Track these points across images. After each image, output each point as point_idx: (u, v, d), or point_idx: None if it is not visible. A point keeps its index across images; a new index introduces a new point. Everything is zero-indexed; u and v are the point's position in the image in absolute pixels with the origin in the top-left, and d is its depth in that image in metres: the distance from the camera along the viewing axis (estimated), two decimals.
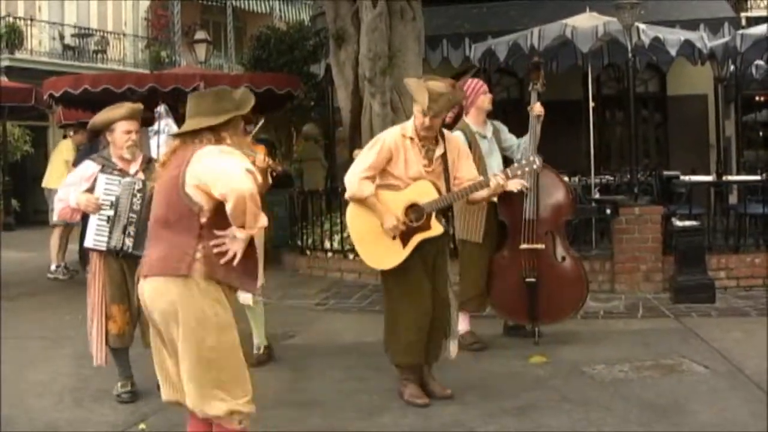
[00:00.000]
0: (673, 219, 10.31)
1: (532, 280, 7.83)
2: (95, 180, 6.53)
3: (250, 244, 4.51)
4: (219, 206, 4.36)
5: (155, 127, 12.70)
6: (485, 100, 7.94)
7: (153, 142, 12.68)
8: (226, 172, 4.28)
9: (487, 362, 7.52)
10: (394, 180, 6.32)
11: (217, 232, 4.42)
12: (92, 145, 13.01)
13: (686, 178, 13.16)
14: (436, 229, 6.31)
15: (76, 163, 12.79)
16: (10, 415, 6.36)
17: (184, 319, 4.42)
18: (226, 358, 4.51)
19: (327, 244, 12.57)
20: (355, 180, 6.34)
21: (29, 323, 9.86)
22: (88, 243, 6.54)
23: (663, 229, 10.49)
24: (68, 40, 29.48)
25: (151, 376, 6.80)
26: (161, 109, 12.69)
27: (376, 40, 12.71)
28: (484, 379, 6.99)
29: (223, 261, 4.42)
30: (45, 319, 10.01)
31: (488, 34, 14.58)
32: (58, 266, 13.31)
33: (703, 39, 12.93)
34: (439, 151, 6.33)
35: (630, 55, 11.45)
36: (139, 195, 6.47)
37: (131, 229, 6.41)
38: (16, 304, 11.05)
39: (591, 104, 13.77)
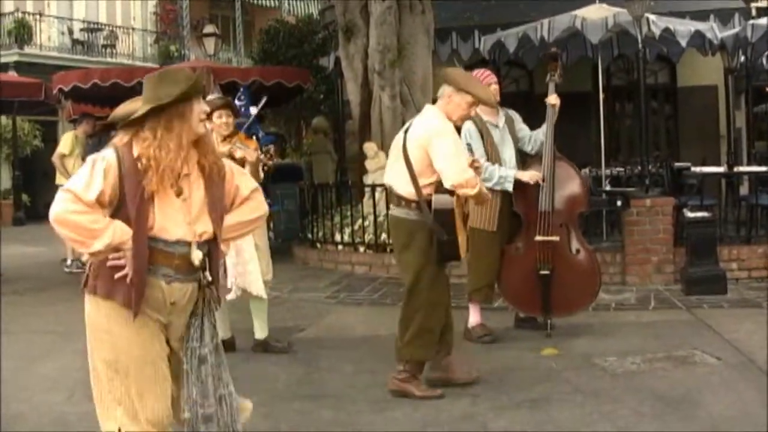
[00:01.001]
0: (685, 210, 10.27)
1: (547, 272, 7.80)
2: None
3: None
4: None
5: None
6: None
7: None
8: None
9: (499, 355, 7.50)
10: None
11: None
12: (101, 137, 13.06)
13: (697, 169, 13.10)
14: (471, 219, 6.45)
15: (85, 155, 12.85)
16: (20, 410, 6.35)
17: (88, 338, 4.07)
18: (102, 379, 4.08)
19: (337, 237, 12.56)
20: (471, 174, 6.06)
21: (38, 318, 9.87)
22: None
23: (674, 220, 10.45)
24: (77, 35, 29.52)
25: None
26: None
27: (385, 32, 12.71)
28: (495, 371, 6.95)
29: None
30: (54, 313, 9.99)
31: (498, 26, 14.51)
32: (73, 260, 13.34)
33: (713, 30, 12.86)
34: None
35: (640, 46, 11.40)
36: None
37: None
38: (25, 299, 11.08)
39: (601, 96, 13.72)
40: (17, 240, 18.15)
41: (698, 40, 13.04)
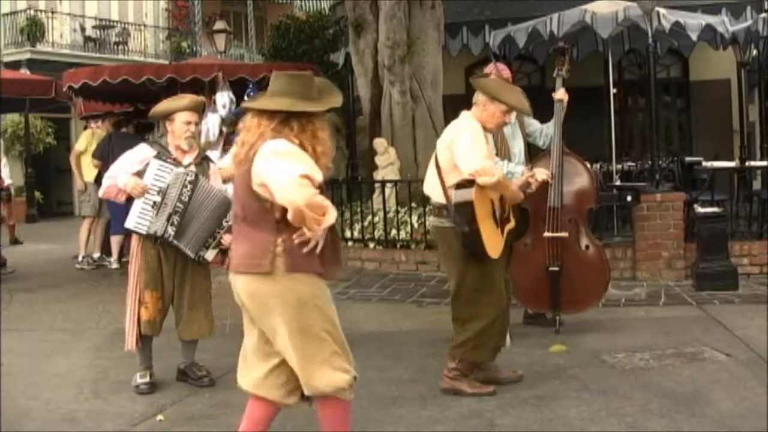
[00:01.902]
0: (696, 205, 10.23)
1: (556, 268, 7.77)
2: (147, 165, 6.56)
3: (332, 230, 4.46)
4: None
5: None
6: None
7: None
8: (279, 181, 4.16)
9: (507, 351, 7.43)
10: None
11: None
12: (111, 135, 13.10)
13: (708, 164, 13.03)
14: (513, 221, 6.45)
15: (96, 152, 12.89)
16: (29, 407, 6.38)
17: (281, 312, 4.40)
18: (336, 334, 4.57)
19: (348, 233, 12.53)
20: (489, 164, 6.11)
21: (48, 315, 9.89)
22: (130, 224, 6.56)
23: (685, 215, 10.41)
24: (89, 32, 29.53)
25: (169, 367, 6.88)
26: None
27: (394, 27, 12.69)
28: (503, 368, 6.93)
29: (305, 250, 4.36)
30: (64, 311, 10.03)
31: (508, 20, 14.46)
32: (84, 257, 13.39)
33: (724, 23, 12.79)
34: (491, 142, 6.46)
35: (650, 40, 11.35)
36: (189, 186, 6.49)
37: (176, 219, 6.42)
38: (35, 296, 11.12)
39: (612, 90, 13.67)
40: (30, 237, 18.20)
41: (709, 33, 12.97)
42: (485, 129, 6.30)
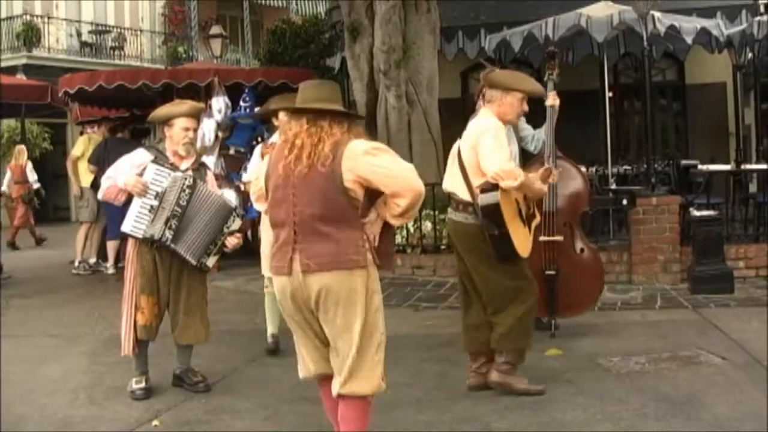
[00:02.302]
0: (691, 209, 10.24)
1: (552, 272, 7.75)
2: (144, 169, 6.55)
3: (387, 224, 4.70)
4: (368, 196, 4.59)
5: None
6: None
7: None
8: (403, 173, 4.52)
9: None
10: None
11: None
12: (107, 140, 13.11)
13: (704, 167, 13.04)
14: (538, 217, 6.47)
15: (92, 158, 12.88)
16: (23, 413, 6.36)
17: (366, 307, 4.58)
18: (384, 340, 4.74)
19: None
20: (512, 166, 6.19)
21: (44, 320, 9.89)
22: (126, 228, 6.54)
23: (681, 219, 10.42)
24: (85, 37, 29.56)
25: (165, 373, 6.88)
26: None
27: (390, 32, 12.68)
28: None
29: (374, 244, 4.64)
30: (60, 316, 10.03)
31: (503, 24, 14.49)
32: (80, 262, 13.39)
33: (719, 27, 12.81)
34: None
35: (646, 43, 11.36)
36: (187, 191, 6.48)
37: (174, 222, 6.40)
38: (31, 302, 11.11)
39: (608, 94, 13.67)
40: (27, 242, 18.21)
41: (704, 37, 12.98)
42: (505, 122, 6.35)
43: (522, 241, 6.24)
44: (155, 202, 6.48)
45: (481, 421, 5.83)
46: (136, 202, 6.52)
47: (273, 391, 6.65)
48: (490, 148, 6.08)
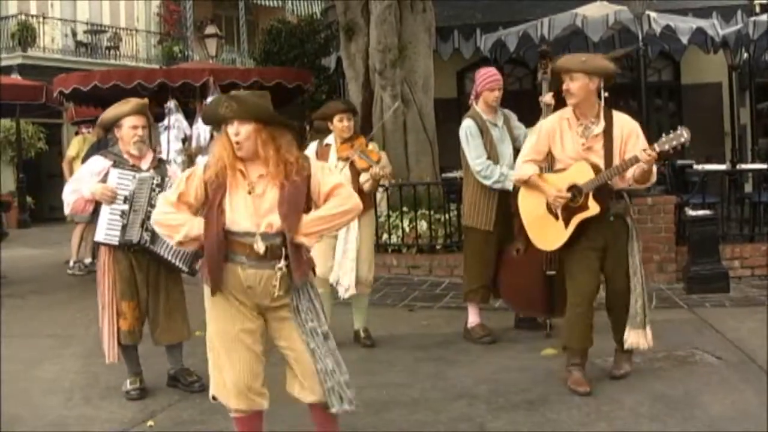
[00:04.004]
0: (687, 208, 10.23)
1: (553, 272, 7.73)
2: (106, 175, 6.51)
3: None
4: None
5: (165, 122, 12.71)
6: (489, 97, 7.86)
7: (163, 137, 12.70)
8: None
9: (498, 355, 7.47)
10: (559, 163, 6.49)
11: None
12: (101, 141, 13.07)
13: (700, 167, 13.04)
14: (593, 208, 6.33)
15: (86, 158, 12.85)
16: (18, 413, 6.35)
17: None
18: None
19: None
20: (518, 163, 6.70)
21: (39, 321, 9.88)
22: (99, 237, 6.51)
23: (676, 218, 10.41)
24: (81, 37, 29.50)
25: (160, 373, 6.87)
26: (171, 104, 12.70)
27: (385, 32, 12.67)
28: (494, 372, 6.94)
29: None
30: (55, 317, 10.01)
31: (499, 24, 14.51)
32: (75, 262, 13.36)
33: (714, 27, 12.83)
34: (597, 129, 6.37)
35: (641, 43, 11.36)
36: (157, 189, 6.43)
37: (149, 224, 6.27)
38: (26, 302, 11.10)
39: (603, 94, 13.63)
40: (22, 242, 18.18)
41: (700, 37, 13.00)
42: (575, 115, 6.43)
43: (546, 235, 6.56)
44: (125, 207, 6.43)
45: (476, 422, 5.83)
46: (104, 210, 6.46)
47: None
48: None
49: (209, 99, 12.42)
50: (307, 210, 4.60)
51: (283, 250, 4.50)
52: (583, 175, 6.29)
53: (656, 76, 17.46)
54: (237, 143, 4.50)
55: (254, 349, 4.70)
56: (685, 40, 12.66)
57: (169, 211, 4.64)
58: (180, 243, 4.66)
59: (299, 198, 4.56)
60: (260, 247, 4.46)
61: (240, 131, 4.50)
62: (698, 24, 12.77)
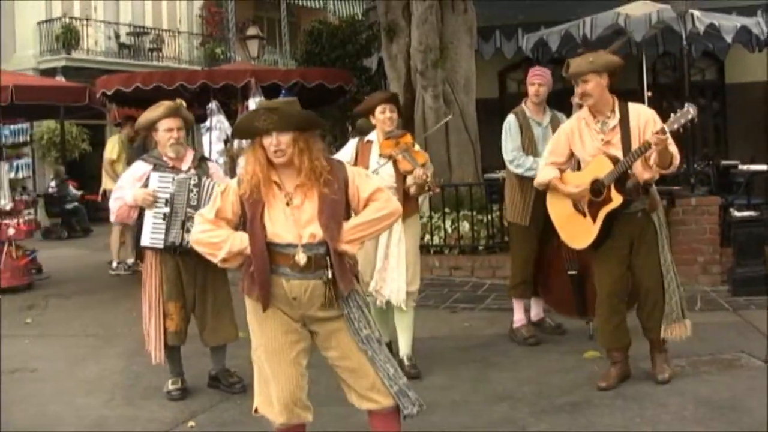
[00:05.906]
0: (732, 209, 10.11)
1: (574, 272, 7.68)
2: (147, 179, 6.54)
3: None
4: None
5: (207, 123, 12.75)
6: (530, 91, 7.95)
7: (205, 138, 12.74)
8: None
9: (540, 358, 7.42)
10: (583, 163, 6.57)
11: None
12: (143, 142, 13.14)
13: (745, 167, 12.89)
14: (617, 200, 6.29)
15: (131, 160, 12.92)
16: (59, 412, 6.40)
17: None
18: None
19: None
20: (540, 167, 6.86)
21: (81, 321, 9.94)
22: (145, 242, 6.54)
23: (721, 220, 10.28)
24: (124, 39, 29.69)
25: (201, 374, 6.88)
26: (213, 105, 12.73)
27: (427, 32, 12.63)
28: (537, 375, 6.89)
29: None
30: (97, 316, 10.07)
31: (541, 24, 14.41)
32: (119, 263, 13.44)
33: (759, 25, 12.66)
34: (613, 122, 6.37)
35: (684, 43, 11.24)
36: (195, 190, 6.47)
37: (190, 225, 6.33)
38: (70, 302, 11.17)
39: (646, 93, 13.55)
40: (65, 243, 18.40)
41: (744, 35, 12.84)
42: (592, 115, 6.47)
43: (576, 233, 6.60)
44: (167, 209, 6.46)
45: (518, 425, 5.79)
46: (148, 215, 6.50)
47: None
48: None
49: (251, 100, 12.46)
50: (347, 217, 4.57)
51: (328, 259, 4.47)
52: (603, 168, 6.30)
53: (699, 75, 17.29)
54: (277, 151, 4.46)
55: (299, 361, 4.66)
56: (729, 38, 12.50)
57: (208, 229, 4.61)
58: (224, 260, 4.61)
59: (338, 206, 4.52)
60: (302, 258, 4.43)
61: (281, 141, 4.45)
62: (743, 22, 12.60)
